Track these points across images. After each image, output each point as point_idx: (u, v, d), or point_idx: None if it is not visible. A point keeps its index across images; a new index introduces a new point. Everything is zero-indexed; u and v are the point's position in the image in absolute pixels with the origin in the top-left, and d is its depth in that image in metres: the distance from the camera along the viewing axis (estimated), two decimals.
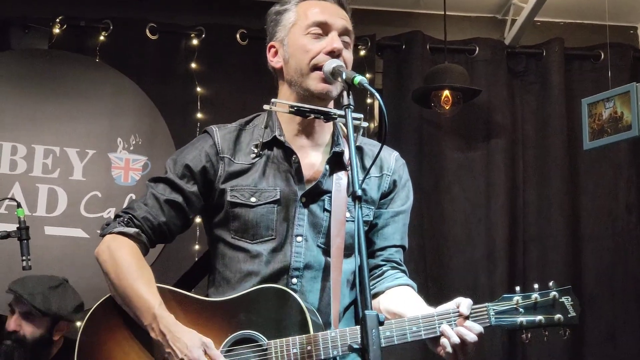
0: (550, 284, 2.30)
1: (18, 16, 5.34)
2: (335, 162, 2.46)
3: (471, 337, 2.18)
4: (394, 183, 2.56)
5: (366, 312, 1.91)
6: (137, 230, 2.39)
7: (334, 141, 2.50)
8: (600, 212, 5.70)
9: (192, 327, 2.26)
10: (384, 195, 2.54)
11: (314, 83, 2.39)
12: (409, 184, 2.62)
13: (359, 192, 2.05)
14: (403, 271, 2.55)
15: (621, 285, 5.59)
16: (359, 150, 2.51)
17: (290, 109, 2.39)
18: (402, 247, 2.58)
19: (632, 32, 6.06)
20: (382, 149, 2.50)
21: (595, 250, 5.64)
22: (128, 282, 2.31)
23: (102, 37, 5.33)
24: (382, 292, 2.48)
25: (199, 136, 2.55)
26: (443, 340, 2.20)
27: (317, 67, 2.39)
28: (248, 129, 2.52)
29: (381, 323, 1.92)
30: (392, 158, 2.59)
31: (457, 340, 2.18)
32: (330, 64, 2.34)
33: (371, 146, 2.57)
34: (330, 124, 2.50)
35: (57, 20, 5.27)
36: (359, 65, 5.41)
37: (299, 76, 2.42)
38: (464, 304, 2.24)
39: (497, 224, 5.52)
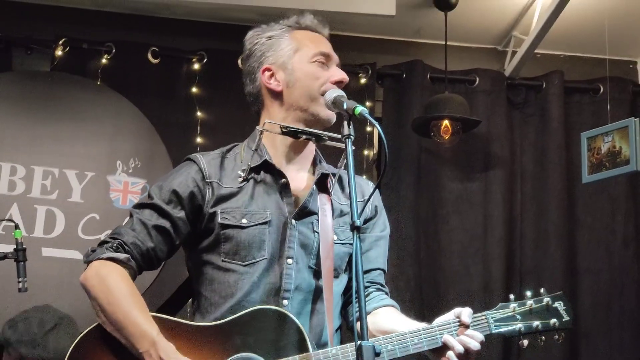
0: (542, 290, 2.39)
1: (21, 37, 5.36)
2: (321, 184, 2.51)
3: (474, 345, 2.23)
4: (376, 209, 2.64)
5: (362, 343, 1.90)
6: (127, 256, 2.36)
7: (317, 164, 2.57)
8: (597, 246, 5.68)
9: (189, 353, 2.25)
10: (367, 220, 2.61)
11: (323, 109, 2.46)
12: (384, 211, 2.70)
13: (358, 223, 2.06)
14: (386, 292, 2.61)
15: (617, 320, 5.56)
16: (340, 179, 2.59)
17: (283, 130, 2.44)
18: (384, 270, 2.65)
19: (631, 66, 6.09)
20: (356, 177, 2.57)
21: (591, 284, 5.62)
22: (122, 309, 2.28)
23: (104, 60, 5.34)
24: (369, 312, 2.50)
25: (183, 163, 2.55)
26: (449, 353, 2.24)
27: (323, 95, 2.45)
28: (229, 156, 2.55)
29: (377, 354, 1.91)
30: (369, 186, 2.67)
31: (461, 349, 2.22)
32: (331, 93, 2.39)
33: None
34: (313, 147, 2.56)
35: (60, 42, 5.28)
36: (360, 93, 5.45)
37: (308, 101, 2.47)
38: (464, 313, 2.29)
39: (494, 255, 5.50)
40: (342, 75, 2.50)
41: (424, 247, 5.53)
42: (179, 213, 2.42)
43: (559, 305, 2.34)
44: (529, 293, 2.36)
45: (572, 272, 5.60)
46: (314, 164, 2.57)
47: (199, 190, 2.44)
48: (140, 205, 2.47)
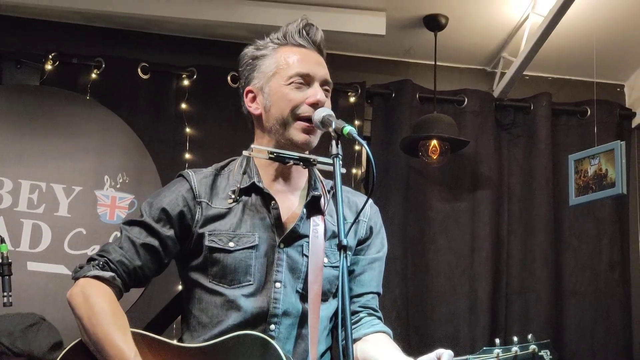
0: (529, 337, 2.29)
1: (11, 51, 5.36)
2: (313, 206, 2.47)
3: None
4: (371, 229, 2.59)
5: None
6: (112, 274, 2.34)
7: (311, 185, 2.51)
8: (583, 268, 5.68)
9: None
10: (361, 242, 2.57)
11: (296, 133, 2.41)
12: (383, 231, 2.65)
13: (345, 242, 2.05)
14: (379, 317, 2.56)
15: (602, 342, 5.56)
16: (335, 196, 2.49)
17: (270, 155, 2.38)
18: (378, 293, 2.60)
19: (619, 89, 6.12)
20: (354, 195, 2.57)
21: (577, 306, 5.62)
22: (102, 328, 2.25)
23: (93, 75, 5.33)
24: (359, 338, 2.47)
25: (175, 180, 2.53)
26: None
27: (299, 117, 2.40)
28: (224, 173, 2.52)
29: None
30: (367, 204, 2.58)
31: None
32: (320, 112, 2.34)
33: (346, 192, 2.58)
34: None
35: (50, 56, 5.28)
36: (349, 112, 5.46)
37: (281, 125, 2.42)
38: (445, 355, 2.22)
39: (480, 276, 5.50)
40: (317, 97, 2.40)
41: (411, 266, 5.52)
42: (168, 232, 2.40)
43: (545, 354, 2.24)
44: (515, 339, 2.26)
45: (557, 294, 5.60)
46: (309, 183, 2.52)
47: (189, 209, 2.42)
48: (130, 222, 2.45)
